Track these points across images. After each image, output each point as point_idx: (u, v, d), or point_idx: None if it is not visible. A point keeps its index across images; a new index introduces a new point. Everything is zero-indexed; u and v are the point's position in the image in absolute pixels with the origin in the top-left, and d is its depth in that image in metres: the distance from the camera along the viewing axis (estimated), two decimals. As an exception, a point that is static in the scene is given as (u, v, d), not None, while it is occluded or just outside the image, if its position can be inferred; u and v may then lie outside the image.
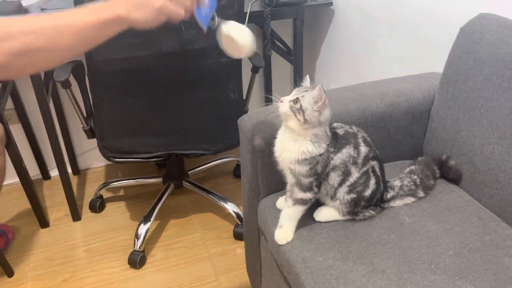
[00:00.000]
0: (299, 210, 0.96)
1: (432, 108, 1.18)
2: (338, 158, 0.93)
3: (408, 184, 1.05)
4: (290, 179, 0.96)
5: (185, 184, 1.82)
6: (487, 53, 1.02)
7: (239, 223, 1.68)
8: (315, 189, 0.94)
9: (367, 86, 1.21)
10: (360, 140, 0.96)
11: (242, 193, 1.22)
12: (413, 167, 1.11)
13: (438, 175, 1.11)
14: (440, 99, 1.15)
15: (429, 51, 1.39)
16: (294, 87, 0.93)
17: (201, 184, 1.81)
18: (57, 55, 0.70)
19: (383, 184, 1.01)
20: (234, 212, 1.68)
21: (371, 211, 0.99)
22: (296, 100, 0.88)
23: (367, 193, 0.97)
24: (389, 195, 1.03)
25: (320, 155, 0.91)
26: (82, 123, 1.51)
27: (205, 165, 1.96)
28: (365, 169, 0.96)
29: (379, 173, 0.99)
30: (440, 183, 1.10)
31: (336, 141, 0.94)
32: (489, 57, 1.01)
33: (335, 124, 0.99)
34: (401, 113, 1.17)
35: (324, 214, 1.00)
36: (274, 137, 1.06)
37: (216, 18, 0.88)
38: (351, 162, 0.94)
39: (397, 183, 1.05)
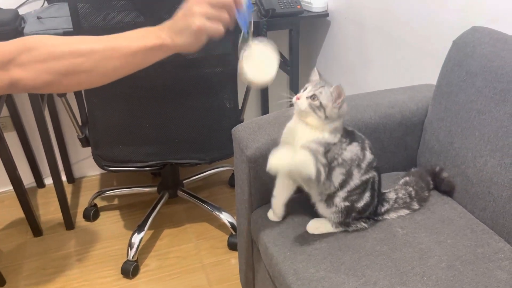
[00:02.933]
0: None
1: (425, 120, 1.19)
2: (348, 152, 0.92)
3: (403, 196, 1.04)
4: None
5: (180, 193, 1.82)
6: (479, 66, 1.03)
7: (234, 233, 1.67)
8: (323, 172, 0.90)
9: (361, 97, 1.21)
10: (367, 145, 0.96)
11: (235, 203, 1.22)
12: (407, 178, 1.11)
13: (432, 186, 1.11)
14: (434, 110, 1.15)
15: (423, 63, 1.40)
16: (291, 96, 0.93)
17: (196, 194, 1.81)
18: (101, 77, 0.72)
19: (377, 198, 1.00)
20: (228, 222, 1.68)
21: (363, 224, 0.99)
22: (313, 97, 0.88)
23: (360, 204, 0.96)
24: (383, 209, 1.02)
25: (334, 144, 0.91)
26: (77, 132, 1.51)
27: (200, 174, 1.96)
28: (366, 177, 0.95)
29: (376, 187, 0.99)
30: (433, 195, 1.10)
31: (347, 134, 0.94)
32: (481, 69, 1.02)
33: None
34: (395, 124, 1.17)
35: (317, 226, 0.99)
36: (268, 147, 1.07)
37: (252, 22, 0.84)
38: (356, 163, 0.94)
39: (392, 195, 1.05)
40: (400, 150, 1.22)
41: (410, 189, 1.06)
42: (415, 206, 1.05)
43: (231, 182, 2.06)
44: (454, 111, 1.08)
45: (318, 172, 0.88)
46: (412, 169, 1.15)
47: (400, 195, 1.05)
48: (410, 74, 1.47)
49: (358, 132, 0.98)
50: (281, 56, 1.98)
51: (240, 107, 1.60)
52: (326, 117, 0.88)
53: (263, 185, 1.11)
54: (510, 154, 0.93)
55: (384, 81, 1.59)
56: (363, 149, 0.95)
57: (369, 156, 0.96)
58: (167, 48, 0.72)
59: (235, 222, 1.67)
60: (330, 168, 0.92)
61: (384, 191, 1.05)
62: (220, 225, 1.78)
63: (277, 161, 0.85)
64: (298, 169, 0.88)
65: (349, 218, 0.98)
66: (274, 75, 0.86)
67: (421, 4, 1.35)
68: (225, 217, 1.69)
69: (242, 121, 1.62)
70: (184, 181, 1.88)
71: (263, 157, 1.07)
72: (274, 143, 1.07)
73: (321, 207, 1.00)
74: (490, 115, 0.99)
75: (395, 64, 1.53)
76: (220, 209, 1.72)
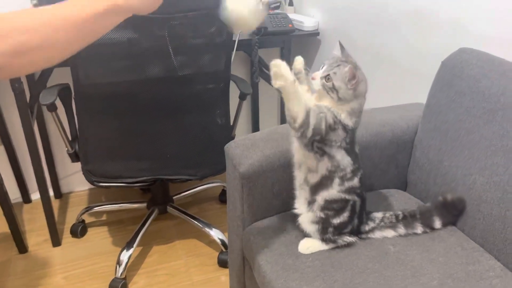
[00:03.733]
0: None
1: (415, 138, 1.21)
2: (339, 155, 0.91)
3: (390, 216, 1.03)
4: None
5: (170, 209, 1.80)
6: (467, 86, 1.05)
7: (224, 250, 1.65)
8: (306, 141, 0.89)
9: (352, 115, 1.23)
10: (359, 174, 0.96)
11: (227, 219, 1.21)
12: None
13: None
14: (423, 129, 1.17)
15: (413, 82, 1.43)
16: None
17: (186, 210, 1.79)
18: (55, 52, 0.65)
19: (359, 219, 0.99)
20: (219, 238, 1.66)
21: (349, 238, 0.98)
22: (328, 77, 0.87)
23: (336, 221, 0.96)
24: (367, 227, 1.02)
25: (344, 126, 0.89)
26: (66, 146, 1.50)
27: (191, 190, 1.95)
28: (346, 197, 0.95)
29: (357, 210, 0.98)
30: (424, 212, 1.11)
31: (352, 151, 0.93)
32: (469, 90, 1.05)
33: (358, 146, 0.98)
34: (385, 142, 1.19)
35: (308, 246, 0.99)
36: (261, 164, 1.07)
37: None
38: (340, 174, 0.93)
39: (378, 214, 1.04)
40: (391, 168, 1.23)
41: (399, 212, 1.05)
42: (401, 229, 1.02)
43: (221, 198, 2.05)
44: (443, 130, 1.10)
45: (305, 120, 0.87)
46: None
47: (387, 215, 1.04)
48: (400, 93, 1.50)
49: (359, 161, 0.97)
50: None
51: (231, 123, 1.61)
52: (339, 99, 0.87)
53: (256, 202, 1.11)
54: (499, 173, 0.95)
55: (375, 100, 1.62)
56: (354, 172, 0.95)
57: (356, 181, 0.95)
58: (121, 10, 0.68)
59: (225, 239, 1.65)
60: (322, 151, 0.90)
61: (372, 211, 1.05)
62: (210, 242, 1.76)
63: (281, 66, 0.83)
64: (289, 96, 0.86)
65: (328, 234, 0.97)
66: (253, 27, 0.84)
67: (410, 25, 1.39)
68: (215, 234, 1.68)
69: (233, 138, 1.62)
70: (174, 197, 1.86)
71: (256, 174, 1.08)
72: (267, 160, 1.08)
73: (303, 218, 1.00)
74: (478, 134, 1.01)
75: (385, 83, 1.56)
76: (210, 226, 1.70)
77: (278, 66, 0.83)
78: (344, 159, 0.93)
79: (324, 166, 0.93)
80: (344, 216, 0.97)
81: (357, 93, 0.88)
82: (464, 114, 1.05)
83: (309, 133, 0.88)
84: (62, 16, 0.64)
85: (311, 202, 0.98)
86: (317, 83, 0.89)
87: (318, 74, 0.90)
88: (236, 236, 1.17)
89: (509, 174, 0.93)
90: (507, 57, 1.05)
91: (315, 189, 0.96)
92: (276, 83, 0.84)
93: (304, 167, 0.97)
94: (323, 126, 0.88)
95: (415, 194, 1.20)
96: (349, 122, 0.90)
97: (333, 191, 0.95)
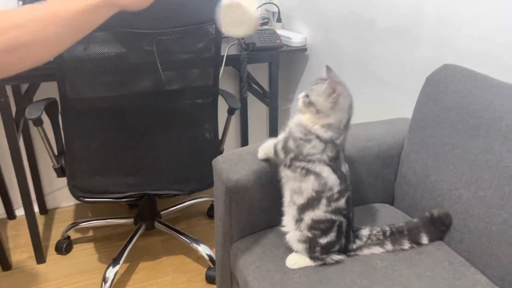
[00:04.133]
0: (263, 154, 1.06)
1: (402, 153, 1.22)
2: (325, 172, 0.93)
3: (377, 233, 1.03)
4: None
5: (157, 225, 1.78)
6: (452, 102, 1.07)
7: (212, 266, 1.63)
8: (286, 161, 0.96)
9: (339, 130, 1.24)
10: (346, 195, 0.96)
11: (215, 235, 1.20)
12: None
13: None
14: (410, 144, 1.18)
15: (399, 97, 1.45)
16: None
17: (174, 225, 1.78)
18: (45, 49, 0.64)
19: (346, 239, 0.99)
20: (206, 254, 1.65)
21: (338, 256, 0.98)
22: (306, 95, 0.93)
23: (323, 241, 0.96)
24: (355, 245, 1.01)
25: (318, 137, 0.92)
26: (52, 161, 1.48)
27: (179, 205, 1.93)
28: (333, 217, 0.95)
29: (344, 230, 0.98)
30: (411, 227, 1.11)
31: (338, 169, 0.95)
32: (454, 105, 1.06)
33: (346, 166, 0.99)
34: (372, 157, 1.20)
35: (296, 261, 0.98)
36: (249, 179, 1.07)
37: None
38: (327, 194, 0.93)
39: (365, 232, 1.03)
40: (377, 182, 1.23)
41: (387, 228, 1.04)
42: (388, 246, 1.02)
43: (209, 213, 2.03)
44: (429, 144, 1.12)
45: (275, 150, 1.00)
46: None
47: (374, 232, 1.03)
48: (386, 108, 1.51)
49: (348, 181, 0.97)
50: (261, 88, 2.02)
51: (220, 137, 1.61)
52: (318, 111, 0.91)
53: (243, 217, 1.10)
54: (484, 187, 0.96)
55: (362, 115, 1.63)
56: (340, 193, 0.95)
57: (342, 202, 0.96)
58: (111, 4, 0.67)
59: (213, 255, 1.64)
60: (305, 169, 0.93)
61: (359, 227, 1.05)
62: (198, 258, 1.74)
63: (263, 152, 1.04)
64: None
65: (315, 253, 0.97)
66: (252, 28, 0.84)
67: (396, 41, 1.41)
68: (203, 250, 1.66)
69: (221, 152, 1.62)
70: (161, 212, 1.84)
71: (244, 189, 1.07)
72: (255, 175, 1.07)
73: (290, 236, 0.99)
74: (463, 149, 1.02)
75: (372, 98, 1.57)
76: (198, 241, 1.69)
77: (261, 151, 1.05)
78: (330, 177, 0.93)
79: (310, 187, 0.94)
80: (331, 236, 0.96)
81: (338, 107, 0.91)
82: (449, 129, 1.07)
83: (280, 154, 0.97)
84: (52, 11, 0.63)
85: (298, 221, 0.97)
86: (299, 103, 0.95)
87: (301, 95, 0.96)
88: (224, 251, 1.16)
89: (494, 189, 0.94)
90: (489, 73, 1.07)
91: (302, 209, 0.96)
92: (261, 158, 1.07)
93: (289, 188, 0.98)
94: (290, 143, 0.94)
95: (402, 208, 1.21)
96: (324, 134, 0.92)
97: (320, 212, 0.95)
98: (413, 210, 1.16)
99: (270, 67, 1.85)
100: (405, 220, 1.09)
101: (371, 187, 1.24)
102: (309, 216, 0.95)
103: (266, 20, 1.97)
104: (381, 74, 1.51)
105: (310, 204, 0.95)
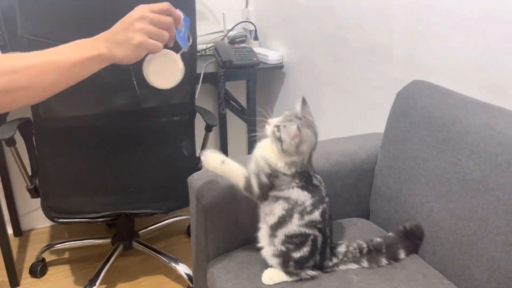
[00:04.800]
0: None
1: (376, 167, 1.24)
2: (295, 193, 0.94)
3: (353, 250, 1.03)
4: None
5: (135, 244, 1.75)
6: (421, 117, 1.10)
7: (191, 285, 1.61)
8: (264, 195, 0.96)
9: (314, 146, 1.25)
10: (321, 206, 0.96)
11: (192, 253, 1.19)
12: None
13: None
14: (382, 158, 1.20)
15: (372, 113, 1.48)
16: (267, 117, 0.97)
17: (153, 244, 1.75)
18: (39, 93, 0.70)
19: (321, 255, 0.99)
20: (185, 273, 1.63)
21: (312, 272, 0.98)
22: (278, 128, 0.92)
23: (296, 255, 0.96)
24: (331, 263, 1.01)
25: (283, 173, 0.93)
26: (26, 182, 1.45)
27: (157, 224, 1.91)
28: (307, 231, 0.95)
29: (319, 246, 0.98)
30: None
31: (308, 183, 0.95)
32: (423, 120, 1.09)
33: (318, 177, 1.00)
34: (346, 171, 1.21)
35: (272, 276, 0.98)
36: (225, 196, 1.07)
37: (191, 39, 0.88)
38: (299, 209, 0.94)
39: (342, 249, 1.03)
40: (353, 197, 1.25)
41: (364, 245, 1.04)
42: (364, 263, 1.02)
43: (189, 232, 2.01)
44: (401, 158, 1.14)
45: (247, 184, 0.95)
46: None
47: (351, 248, 1.03)
48: (360, 123, 1.54)
49: (323, 192, 0.98)
50: (239, 105, 2.03)
51: (198, 155, 1.60)
52: (283, 150, 0.91)
53: (220, 235, 1.10)
54: (453, 200, 0.98)
55: (336, 130, 1.66)
56: (314, 205, 0.95)
57: (316, 215, 0.95)
58: (104, 59, 0.73)
59: (192, 274, 1.61)
60: (275, 197, 0.94)
61: (336, 243, 1.05)
62: (177, 277, 1.71)
63: (209, 161, 0.98)
64: (226, 176, 0.98)
65: (289, 267, 0.97)
66: (175, 83, 0.88)
67: (368, 58, 1.45)
68: (182, 269, 1.64)
69: (200, 169, 1.61)
70: (139, 232, 1.82)
71: (219, 206, 1.07)
72: (231, 192, 1.08)
73: (265, 251, 1.00)
74: (433, 162, 1.05)
75: (346, 113, 1.60)
76: (177, 261, 1.67)
77: (205, 158, 0.99)
78: (300, 196, 0.94)
79: (280, 208, 0.95)
80: (305, 251, 0.96)
81: (299, 151, 0.92)
82: (419, 144, 1.09)
83: (256, 191, 0.96)
84: (50, 61, 0.69)
85: (272, 236, 0.98)
86: (268, 130, 0.94)
87: (273, 121, 0.95)
88: (201, 270, 1.15)
89: (463, 201, 0.96)
90: (455, 88, 1.11)
91: (275, 227, 0.97)
92: (206, 168, 1.00)
93: (262, 210, 0.99)
94: (264, 179, 0.94)
95: (377, 222, 1.22)
96: (287, 171, 0.93)
97: (293, 226, 0.95)
98: (388, 224, 1.18)
99: (248, 84, 1.87)
100: (380, 234, 1.10)
101: (347, 202, 1.25)
102: (282, 233, 0.96)
103: (244, 38, 2.00)
104: (354, 90, 1.54)
105: (282, 221, 0.95)
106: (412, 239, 1.07)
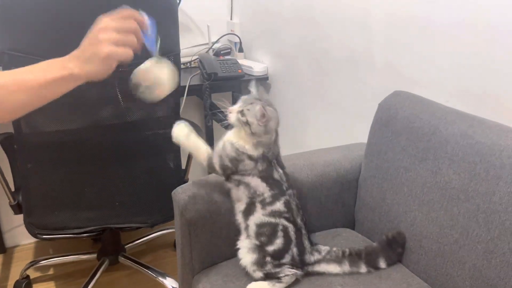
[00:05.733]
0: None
1: (360, 177, 1.24)
2: (254, 182, 0.97)
3: (336, 250, 1.04)
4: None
5: (121, 259, 1.73)
6: (402, 127, 1.11)
7: (178, 299, 1.60)
8: (225, 176, 1.01)
9: (298, 156, 1.26)
10: (282, 198, 0.98)
11: (177, 267, 1.18)
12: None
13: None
14: (366, 168, 1.21)
15: (355, 123, 1.49)
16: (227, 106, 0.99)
17: (139, 258, 1.73)
18: (8, 113, 0.69)
19: (297, 249, 0.99)
20: (172, 287, 1.61)
21: (291, 270, 0.97)
22: (242, 112, 0.94)
23: (271, 248, 0.97)
24: (313, 258, 1.02)
25: (249, 156, 0.96)
26: (8, 198, 1.43)
27: (144, 238, 1.89)
28: (272, 220, 0.97)
29: (293, 237, 0.98)
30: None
31: (271, 179, 0.99)
32: (404, 130, 1.10)
33: (281, 171, 1.02)
34: (330, 182, 1.22)
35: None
36: (209, 209, 1.07)
37: (160, 41, 0.85)
38: (259, 199, 0.98)
39: (326, 247, 1.05)
40: (337, 207, 1.25)
41: (346, 249, 1.05)
42: (346, 266, 1.02)
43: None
44: (384, 168, 1.15)
45: (209, 162, 1.00)
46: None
47: (334, 248, 1.05)
48: (343, 133, 1.56)
49: (284, 187, 1.00)
50: (224, 115, 2.03)
51: (184, 167, 1.60)
52: (252, 133, 0.94)
53: (204, 248, 1.09)
54: (435, 209, 0.99)
55: (320, 140, 1.67)
56: (274, 197, 0.98)
57: (278, 205, 0.98)
58: (76, 78, 0.72)
59: (179, 288, 1.60)
60: (237, 181, 0.99)
61: (318, 243, 1.06)
62: (164, 291, 1.69)
63: (177, 131, 1.02)
64: (190, 150, 1.04)
65: (267, 265, 0.97)
66: (164, 94, 0.88)
67: (350, 69, 1.47)
68: (169, 283, 1.62)
69: (186, 182, 1.61)
70: (126, 246, 1.80)
71: (203, 219, 1.07)
72: (215, 205, 1.07)
73: (242, 247, 1.01)
74: (415, 172, 1.06)
75: (329, 124, 1.62)
76: (164, 275, 1.65)
77: (174, 129, 1.02)
78: (259, 186, 0.98)
79: (243, 193, 0.99)
80: (278, 242, 0.97)
81: (268, 129, 0.96)
82: (401, 153, 1.10)
83: (219, 171, 1.00)
84: (19, 81, 0.68)
85: (246, 228, 1.01)
86: (233, 117, 0.97)
87: (234, 108, 0.97)
88: (187, 284, 1.14)
89: (445, 210, 0.97)
90: (435, 99, 1.12)
91: (245, 214, 1.00)
92: (174, 140, 1.03)
93: (233, 197, 1.03)
94: (227, 163, 0.98)
95: (362, 232, 1.23)
96: (254, 152, 0.97)
97: (258, 215, 0.98)
98: (373, 234, 1.18)
99: (233, 95, 1.87)
100: (365, 244, 1.10)
101: (332, 212, 1.25)
102: (252, 221, 0.99)
103: (229, 50, 2.01)
104: (337, 101, 1.56)
105: (249, 208, 0.99)
106: (394, 248, 1.07)
